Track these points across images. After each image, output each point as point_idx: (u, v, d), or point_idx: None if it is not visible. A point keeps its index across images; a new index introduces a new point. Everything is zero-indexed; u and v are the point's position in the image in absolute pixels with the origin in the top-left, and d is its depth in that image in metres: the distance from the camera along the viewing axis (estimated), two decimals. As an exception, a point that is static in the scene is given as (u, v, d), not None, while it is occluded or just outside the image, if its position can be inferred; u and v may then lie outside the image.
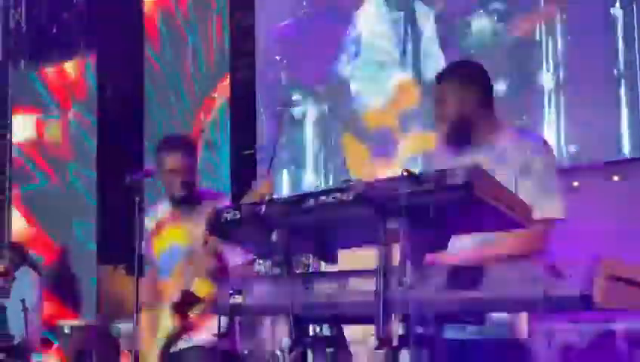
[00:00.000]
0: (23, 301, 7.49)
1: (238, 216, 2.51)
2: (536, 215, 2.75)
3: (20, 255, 8.10)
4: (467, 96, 3.00)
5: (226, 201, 3.86)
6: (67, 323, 7.66)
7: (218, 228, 2.64)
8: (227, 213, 2.56)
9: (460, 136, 3.02)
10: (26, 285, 7.85)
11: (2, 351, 7.25)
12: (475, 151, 2.98)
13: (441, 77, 3.10)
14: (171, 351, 3.67)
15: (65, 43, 10.48)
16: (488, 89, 3.08)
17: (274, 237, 2.38)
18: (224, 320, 3.62)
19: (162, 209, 3.86)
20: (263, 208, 2.42)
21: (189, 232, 3.74)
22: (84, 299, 9.44)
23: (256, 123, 8.50)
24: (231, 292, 2.67)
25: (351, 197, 2.22)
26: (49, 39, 10.66)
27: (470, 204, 2.08)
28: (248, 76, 8.61)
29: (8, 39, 11.35)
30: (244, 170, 8.57)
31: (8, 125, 11.26)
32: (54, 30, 10.55)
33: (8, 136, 11.29)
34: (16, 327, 7.69)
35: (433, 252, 2.26)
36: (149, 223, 3.73)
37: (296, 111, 7.92)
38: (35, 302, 7.66)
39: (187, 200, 3.77)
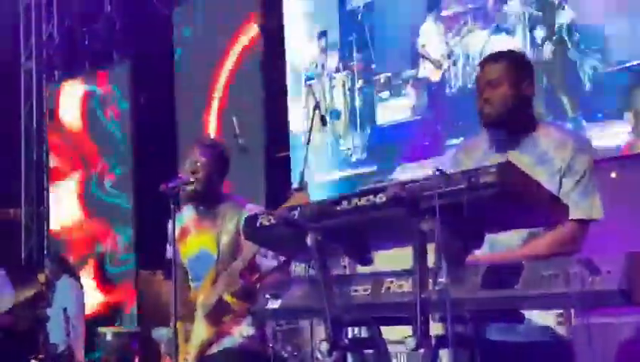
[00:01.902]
0: (64, 310, 7.59)
1: (273, 220, 2.52)
2: (575, 214, 2.73)
3: (60, 264, 8.20)
4: (519, 81, 2.93)
5: (252, 206, 3.80)
6: (108, 330, 7.74)
7: (253, 233, 2.65)
8: (262, 217, 2.57)
9: (507, 121, 2.94)
10: (67, 294, 7.95)
11: (46, 359, 7.34)
12: (515, 147, 2.92)
13: (493, 58, 3.04)
14: (205, 355, 3.69)
15: (97, 53, 10.60)
16: (533, 80, 3.02)
17: (308, 240, 2.38)
18: (255, 322, 3.63)
19: (186, 214, 3.86)
20: (297, 212, 2.43)
21: (215, 238, 3.73)
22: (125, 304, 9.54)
23: (288, 126, 8.54)
24: (267, 296, 2.68)
25: (384, 199, 2.22)
26: (81, 50, 10.79)
27: (503, 201, 2.07)
28: (281, 78, 8.64)
29: (42, 51, 11.51)
30: (277, 173, 8.61)
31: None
32: (86, 41, 10.68)
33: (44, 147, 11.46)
34: (59, 336, 7.79)
35: (468, 251, 2.25)
36: (173, 229, 3.71)
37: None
38: (76, 311, 7.74)
39: (211, 207, 3.75)
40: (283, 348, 5.86)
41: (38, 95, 11.65)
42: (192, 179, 3.67)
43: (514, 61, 3.01)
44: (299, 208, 2.44)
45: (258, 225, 2.59)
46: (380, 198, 2.24)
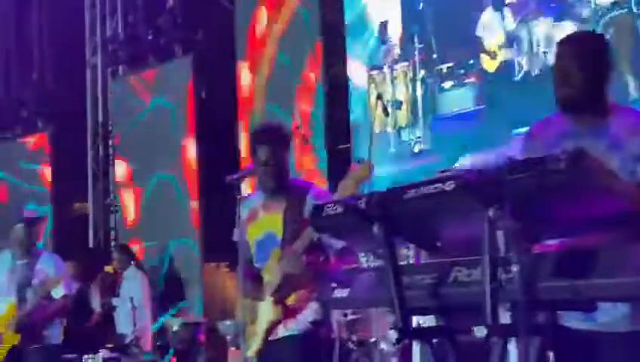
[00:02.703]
0: (131, 299, 7.74)
1: (339, 210, 2.53)
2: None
3: (127, 255, 8.34)
4: (597, 64, 2.87)
5: (317, 189, 3.87)
6: (175, 321, 7.85)
7: (319, 222, 2.66)
8: (328, 207, 2.58)
9: (585, 105, 2.85)
10: (134, 284, 8.09)
11: (115, 349, 7.49)
12: (589, 133, 2.86)
13: (569, 41, 2.97)
14: (270, 338, 3.72)
15: (161, 48, 10.73)
16: (611, 64, 2.96)
17: (375, 229, 2.38)
18: (321, 307, 3.65)
19: (256, 198, 3.92)
20: (364, 201, 2.43)
21: (282, 222, 3.78)
22: (191, 296, 9.65)
23: (349, 117, 8.53)
24: (334, 285, 2.69)
25: (453, 187, 2.21)
26: (145, 45, 10.93)
27: (573, 189, 2.04)
28: (342, 69, 8.64)
29: (106, 46, 11.70)
30: (339, 165, 8.60)
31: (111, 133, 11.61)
32: (150, 36, 10.81)
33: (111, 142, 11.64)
34: (126, 326, 7.94)
35: (538, 238, 2.23)
36: (243, 212, 3.77)
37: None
38: (142, 301, 7.88)
39: (279, 191, 3.81)
40: (348, 338, 5.87)
41: (104, 90, 11.84)
42: (264, 167, 3.73)
43: (591, 44, 2.95)
44: (365, 197, 2.44)
45: (324, 214, 2.60)
46: (449, 186, 2.23)
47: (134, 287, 8.08)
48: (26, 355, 5.53)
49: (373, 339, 5.89)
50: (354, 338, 6.00)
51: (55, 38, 12.13)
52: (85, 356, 7.51)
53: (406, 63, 8.05)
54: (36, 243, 5.78)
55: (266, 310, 3.72)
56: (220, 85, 10.16)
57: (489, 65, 7.34)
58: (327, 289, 2.68)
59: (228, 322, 7.64)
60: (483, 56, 7.39)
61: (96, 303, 9.87)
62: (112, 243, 11.01)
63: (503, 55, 7.24)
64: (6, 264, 5.67)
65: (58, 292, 5.66)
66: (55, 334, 5.67)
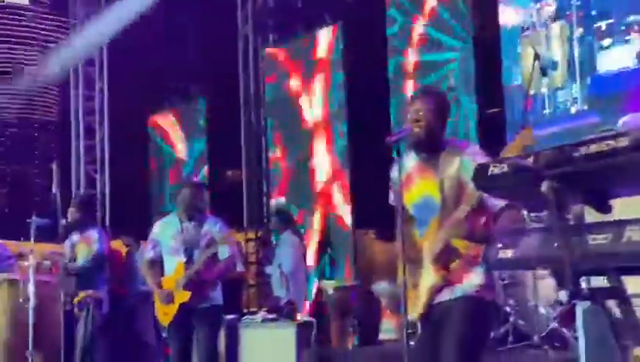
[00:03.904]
0: (279, 265, 7.93)
1: (506, 168, 2.49)
2: None
3: (284, 219, 8.51)
4: None
5: (474, 149, 3.79)
6: (330, 284, 7.98)
7: (484, 182, 2.63)
8: (494, 166, 2.55)
9: None
10: (286, 250, 8.25)
11: (272, 311, 7.70)
12: None
13: None
14: (434, 302, 3.71)
15: (310, 16, 10.83)
16: None
17: (544, 188, 2.33)
18: (486, 271, 3.61)
19: (409, 161, 3.89)
20: (532, 159, 2.39)
21: (438, 184, 3.74)
22: (344, 261, 9.80)
23: (502, 81, 8.36)
24: (499, 246, 2.66)
25: (627, 143, 2.13)
26: (295, 13, 11.06)
27: None
28: (493, 30, 8.47)
29: (257, 16, 11.92)
30: (490, 129, 8.47)
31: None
32: (299, 4, 10.93)
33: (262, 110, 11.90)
34: (280, 290, 8.16)
35: None
36: (399, 175, 3.74)
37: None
38: (292, 267, 8.04)
39: (434, 151, 3.77)
40: (505, 302, 5.79)
41: (255, 60, 12.09)
42: (415, 128, 3.70)
43: None
44: (533, 155, 2.39)
45: (489, 173, 2.57)
46: (621, 142, 2.16)
47: (287, 252, 8.23)
48: (194, 314, 5.76)
49: (531, 303, 5.79)
50: (511, 302, 5.91)
51: (207, 10, 12.47)
52: (244, 317, 7.77)
53: (562, 21, 7.78)
54: (203, 206, 5.97)
55: (428, 275, 3.71)
56: (369, 52, 10.17)
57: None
58: (492, 250, 2.65)
59: (382, 285, 7.71)
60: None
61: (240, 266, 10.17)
62: (274, 203, 11.16)
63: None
64: (175, 226, 5.91)
65: (224, 254, 5.86)
66: (218, 295, 5.87)
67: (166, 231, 5.94)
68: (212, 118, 12.68)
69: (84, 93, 14.22)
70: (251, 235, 12.03)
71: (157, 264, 5.96)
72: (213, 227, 5.87)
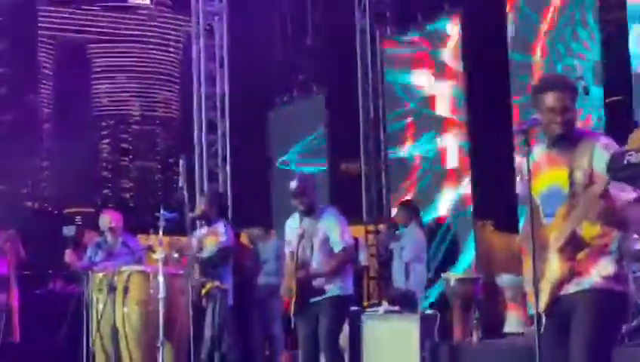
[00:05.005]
0: (401, 256, 7.94)
1: (643, 157, 2.43)
2: None
3: (409, 212, 8.50)
4: None
5: (606, 139, 3.69)
6: (453, 276, 7.93)
7: (620, 171, 2.58)
8: (630, 155, 2.49)
9: None
10: (409, 240, 8.25)
11: (392, 302, 7.74)
12: None
13: None
14: (561, 294, 3.64)
15: (429, 5, 10.76)
16: None
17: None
18: (612, 260, 3.52)
19: (537, 150, 3.84)
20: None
21: (568, 173, 3.67)
22: (466, 253, 9.72)
23: (629, 66, 8.10)
24: (635, 237, 2.60)
25: None
26: (414, 3, 11.02)
27: None
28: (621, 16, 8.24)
29: (374, 8, 11.95)
30: (616, 117, 8.26)
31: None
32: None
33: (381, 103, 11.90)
34: (400, 279, 8.19)
35: None
36: (526, 165, 3.70)
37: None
38: (411, 257, 8.07)
39: (565, 141, 3.71)
40: (636, 294, 5.59)
41: (373, 52, 12.11)
42: (552, 115, 3.65)
43: None
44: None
45: (625, 162, 2.52)
46: None
47: (409, 244, 8.25)
48: (316, 305, 5.85)
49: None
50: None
51: (326, 3, 12.58)
52: (368, 309, 7.82)
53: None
54: (313, 199, 5.95)
55: (554, 266, 3.64)
56: (489, 37, 10.05)
57: None
58: (627, 240, 2.59)
59: (506, 276, 7.61)
60: None
61: (363, 256, 10.20)
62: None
63: None
64: (295, 224, 6.02)
65: (337, 247, 5.87)
66: (340, 287, 5.89)
67: (291, 229, 6.07)
68: (331, 111, 12.74)
69: (205, 91, 14.52)
70: (370, 228, 12.07)
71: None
72: (328, 220, 5.90)
